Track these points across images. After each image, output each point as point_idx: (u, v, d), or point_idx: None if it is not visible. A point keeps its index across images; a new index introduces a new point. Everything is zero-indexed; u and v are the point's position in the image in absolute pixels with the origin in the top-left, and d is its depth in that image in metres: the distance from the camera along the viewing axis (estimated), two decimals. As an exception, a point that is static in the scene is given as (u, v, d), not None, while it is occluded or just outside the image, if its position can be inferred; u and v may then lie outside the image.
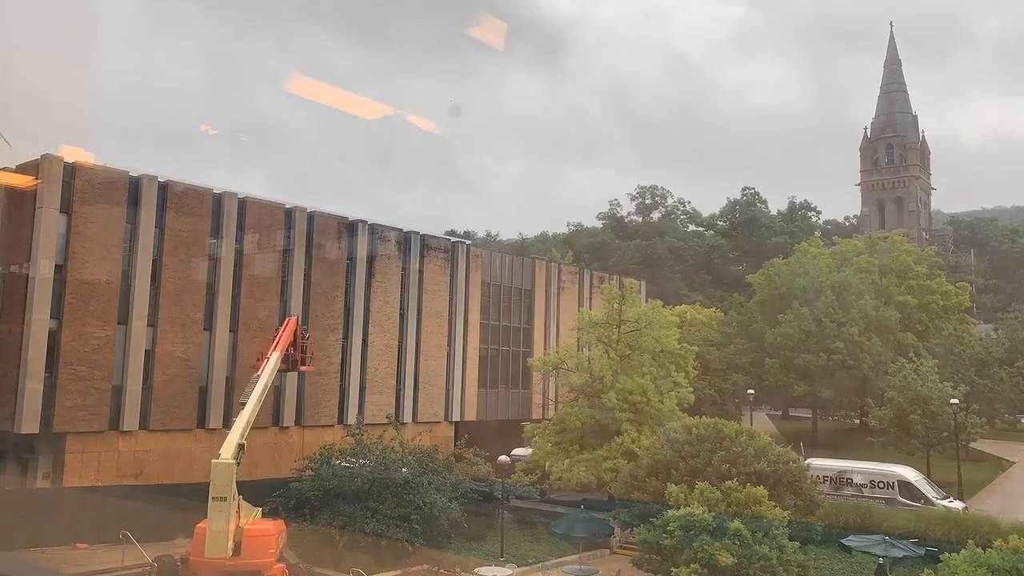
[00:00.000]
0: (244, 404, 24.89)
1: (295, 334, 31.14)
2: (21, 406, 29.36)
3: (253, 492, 24.34)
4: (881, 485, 36.47)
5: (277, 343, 29.20)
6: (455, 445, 36.95)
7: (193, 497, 25.31)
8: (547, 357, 41.48)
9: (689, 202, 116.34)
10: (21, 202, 31.42)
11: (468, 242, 53.35)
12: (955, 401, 41.31)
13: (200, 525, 22.64)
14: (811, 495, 28.45)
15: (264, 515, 25.44)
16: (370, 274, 40.77)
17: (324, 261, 38.83)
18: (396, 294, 42.02)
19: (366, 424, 33.56)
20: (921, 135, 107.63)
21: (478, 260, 47.26)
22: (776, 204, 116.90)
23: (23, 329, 29.86)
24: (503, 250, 76.44)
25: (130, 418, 31.92)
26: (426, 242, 44.04)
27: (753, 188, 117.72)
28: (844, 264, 63.49)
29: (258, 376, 26.27)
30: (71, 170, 31.05)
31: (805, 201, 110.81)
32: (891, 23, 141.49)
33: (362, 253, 40.36)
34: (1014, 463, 49.82)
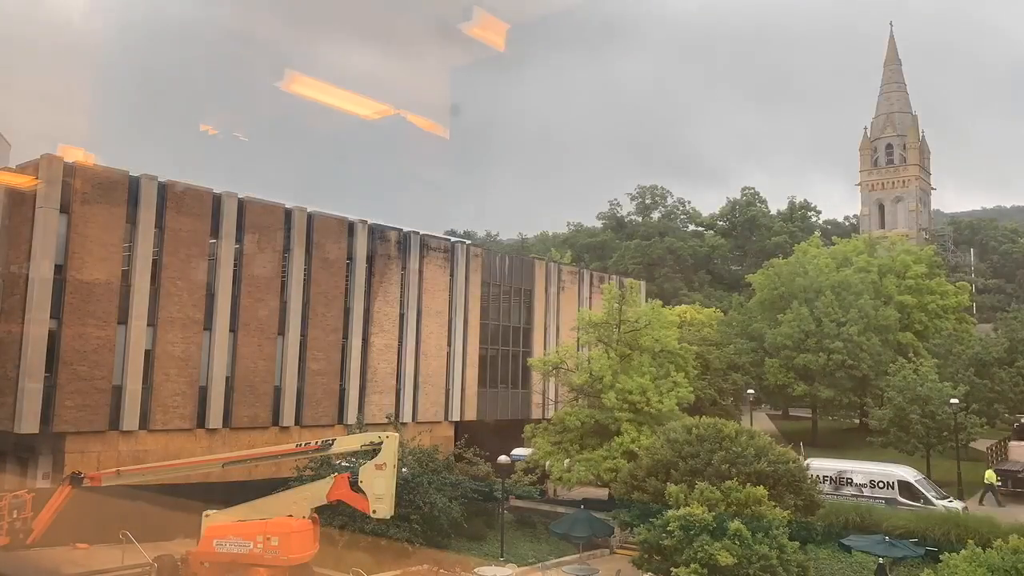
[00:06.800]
0: None
1: None
2: (21, 406, 29.35)
3: (253, 492, 24.30)
4: (881, 485, 36.51)
5: None
6: (455, 445, 36.91)
7: (193, 497, 25.33)
8: (547, 357, 41.40)
9: (689, 202, 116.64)
10: (21, 202, 31.40)
11: (468, 242, 53.32)
12: (955, 401, 41.29)
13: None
14: (811, 495, 28.44)
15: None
16: (370, 274, 40.77)
17: (324, 261, 38.83)
18: (396, 294, 42.02)
19: (366, 424, 33.56)
20: (921, 135, 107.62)
21: (478, 260, 47.25)
22: (776, 204, 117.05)
23: (23, 329, 29.84)
24: (503, 250, 76.54)
25: (130, 418, 31.91)
26: (426, 242, 44.03)
27: (753, 188, 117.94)
28: (844, 264, 63.57)
29: None
30: (71, 170, 31.04)
31: (805, 201, 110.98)
32: (891, 23, 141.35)
33: (362, 253, 40.37)
34: (1014, 463, 49.79)
